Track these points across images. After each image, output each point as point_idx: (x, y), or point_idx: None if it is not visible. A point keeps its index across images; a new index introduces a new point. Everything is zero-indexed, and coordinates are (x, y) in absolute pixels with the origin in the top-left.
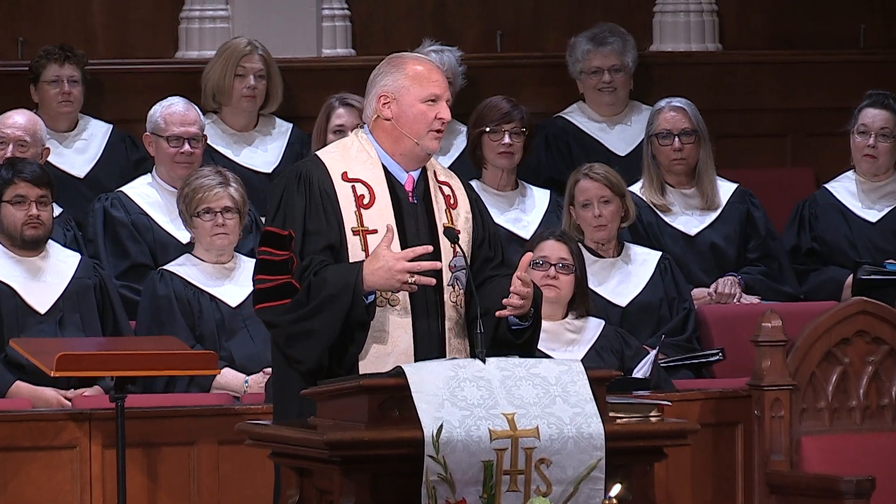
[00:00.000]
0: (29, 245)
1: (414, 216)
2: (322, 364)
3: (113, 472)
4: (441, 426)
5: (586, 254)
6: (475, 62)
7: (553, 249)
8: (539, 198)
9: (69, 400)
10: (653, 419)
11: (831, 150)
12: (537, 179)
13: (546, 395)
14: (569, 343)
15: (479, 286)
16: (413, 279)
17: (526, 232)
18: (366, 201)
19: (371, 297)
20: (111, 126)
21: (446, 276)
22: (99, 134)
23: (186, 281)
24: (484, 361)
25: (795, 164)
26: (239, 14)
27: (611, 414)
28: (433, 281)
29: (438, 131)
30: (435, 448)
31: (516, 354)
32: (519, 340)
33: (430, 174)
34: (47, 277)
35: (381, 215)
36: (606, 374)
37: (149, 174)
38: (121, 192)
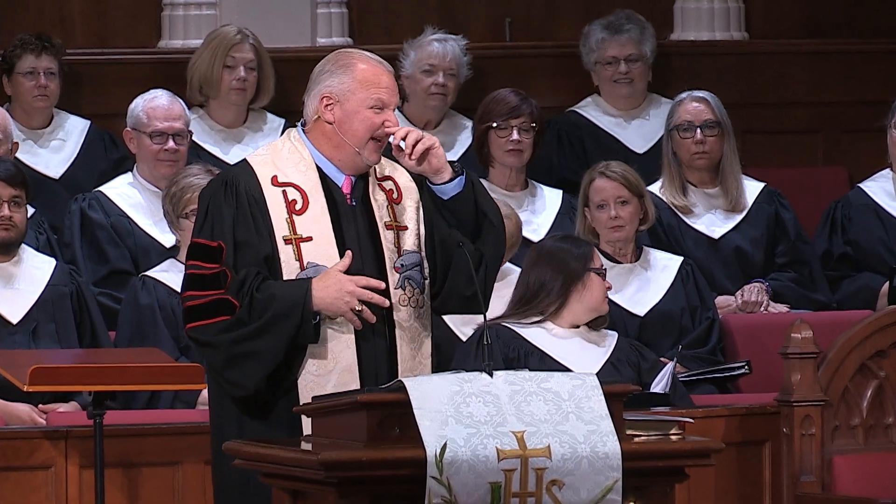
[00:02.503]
0: (0, 249)
1: (353, 219)
2: (260, 388)
3: (91, 495)
4: (445, 445)
5: (602, 259)
6: (482, 52)
7: None
8: (550, 198)
9: (44, 417)
10: (673, 437)
11: (866, 147)
12: (549, 179)
13: (558, 411)
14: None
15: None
16: (360, 308)
17: (536, 235)
18: (298, 207)
19: (318, 318)
20: (89, 122)
21: (392, 278)
22: (75, 131)
23: (170, 288)
24: (491, 375)
25: (827, 162)
26: (227, 0)
27: (628, 432)
28: (374, 318)
29: (379, 141)
30: (438, 468)
31: (453, 222)
32: (446, 198)
33: (370, 172)
34: (20, 284)
35: (316, 221)
36: (623, 389)
37: (129, 173)
38: (99, 192)
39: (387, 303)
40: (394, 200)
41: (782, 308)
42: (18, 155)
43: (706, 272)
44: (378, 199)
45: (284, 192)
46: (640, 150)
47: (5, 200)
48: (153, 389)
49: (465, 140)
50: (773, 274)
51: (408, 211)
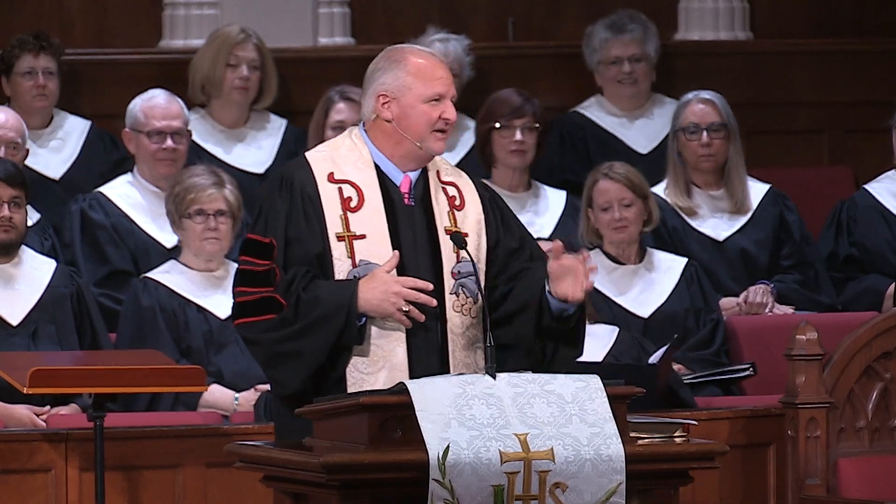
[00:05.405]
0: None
1: (410, 219)
2: (305, 388)
3: (91, 498)
4: (447, 447)
5: (606, 260)
6: (484, 52)
7: None
8: (554, 199)
9: (44, 419)
10: (677, 440)
11: (872, 148)
12: (552, 179)
13: (562, 413)
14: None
15: (512, 280)
16: (407, 308)
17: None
18: (353, 204)
19: (363, 320)
20: (90, 123)
21: (448, 283)
22: (75, 132)
23: (171, 290)
24: (494, 377)
25: (833, 162)
26: (228, 0)
27: (632, 434)
28: (423, 317)
29: (443, 132)
30: (441, 471)
31: (562, 344)
32: (567, 326)
33: (431, 174)
34: (20, 286)
35: (371, 219)
36: (627, 391)
37: (129, 173)
38: (99, 192)
39: (434, 302)
40: (456, 206)
41: (787, 310)
42: None
43: (711, 274)
44: (440, 202)
45: (340, 189)
46: (644, 151)
47: (5, 201)
48: (154, 392)
49: (467, 141)
50: (778, 276)
51: (469, 219)
